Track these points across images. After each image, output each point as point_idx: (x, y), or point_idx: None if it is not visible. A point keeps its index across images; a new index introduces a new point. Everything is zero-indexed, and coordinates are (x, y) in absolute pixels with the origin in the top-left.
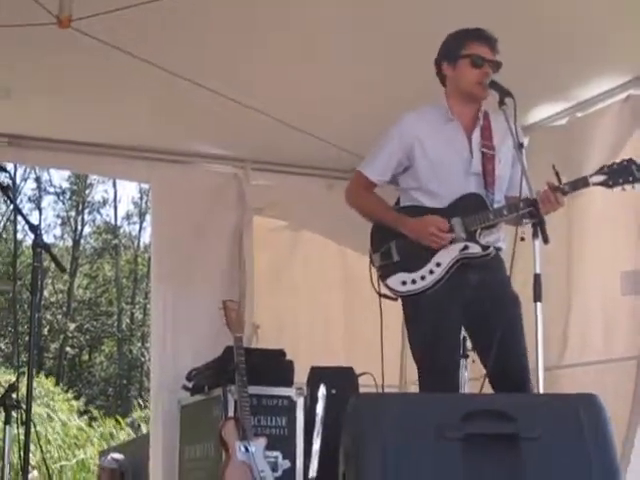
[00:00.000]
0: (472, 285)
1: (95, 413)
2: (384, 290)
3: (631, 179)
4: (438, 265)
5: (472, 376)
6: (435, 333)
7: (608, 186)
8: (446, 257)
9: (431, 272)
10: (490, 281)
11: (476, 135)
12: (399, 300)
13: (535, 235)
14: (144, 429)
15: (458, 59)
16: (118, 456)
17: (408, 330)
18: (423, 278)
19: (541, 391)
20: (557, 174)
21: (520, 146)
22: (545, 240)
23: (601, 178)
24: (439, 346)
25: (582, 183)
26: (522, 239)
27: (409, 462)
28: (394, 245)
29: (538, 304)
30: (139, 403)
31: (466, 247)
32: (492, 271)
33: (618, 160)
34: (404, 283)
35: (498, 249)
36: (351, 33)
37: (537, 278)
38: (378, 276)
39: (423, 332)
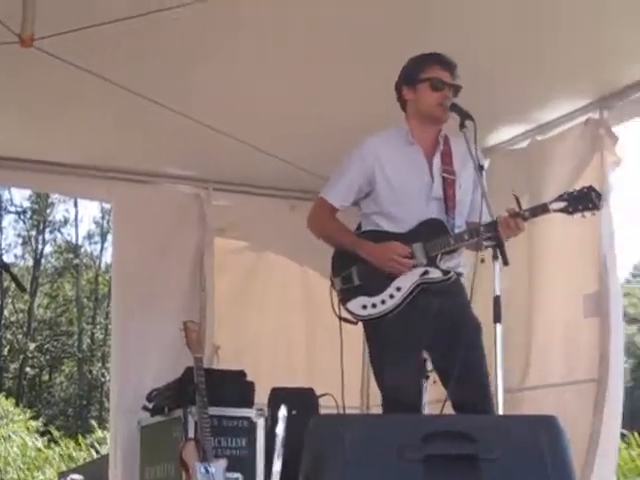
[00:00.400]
0: (433, 309)
1: (55, 434)
2: (345, 314)
3: (591, 206)
4: (398, 289)
5: (433, 398)
6: (397, 357)
7: (568, 213)
8: (406, 282)
9: (391, 296)
10: (450, 306)
11: (437, 160)
12: (359, 324)
13: (495, 257)
14: (104, 450)
15: (418, 83)
16: (77, 477)
17: (370, 354)
18: (383, 302)
19: (501, 412)
20: (517, 200)
21: (480, 168)
22: (505, 262)
23: (561, 205)
24: (401, 370)
25: (542, 209)
26: (482, 261)
27: None
28: (355, 269)
29: (498, 325)
30: (99, 424)
31: (426, 272)
32: (452, 296)
33: (578, 187)
34: (364, 307)
35: (459, 274)
36: (310, 55)
37: (497, 300)
38: (339, 300)
39: (385, 356)
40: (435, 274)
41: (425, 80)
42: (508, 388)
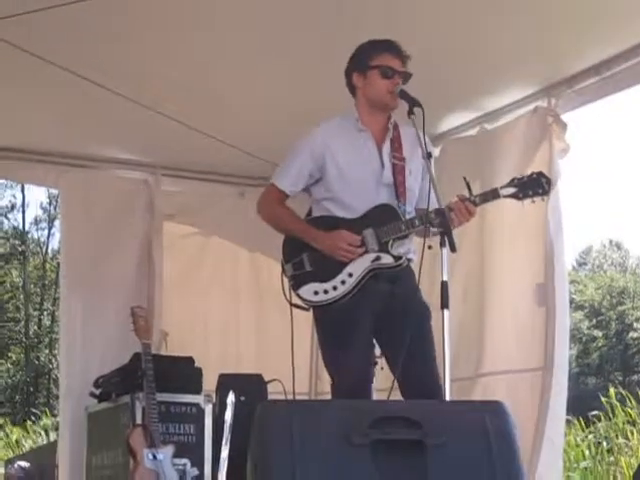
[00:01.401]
0: (383, 295)
1: (1, 421)
2: (296, 300)
3: (540, 192)
4: (350, 275)
5: (381, 385)
6: (347, 343)
7: (518, 198)
8: (358, 267)
9: (343, 282)
10: (401, 291)
11: (386, 146)
12: (310, 310)
13: (442, 244)
14: (51, 437)
15: (368, 69)
16: (25, 464)
17: (320, 340)
18: (335, 288)
19: (449, 398)
20: (468, 185)
21: (429, 156)
22: (452, 249)
23: (511, 190)
24: (351, 356)
25: (492, 195)
26: (429, 247)
27: (317, 469)
28: (306, 256)
29: (445, 311)
30: (47, 410)
31: (378, 258)
32: (403, 281)
33: (528, 173)
34: (316, 293)
35: (409, 260)
36: (261, 41)
37: (444, 286)
38: (290, 286)
39: (335, 342)
40: (387, 260)
41: (375, 67)
42: (462, 375)
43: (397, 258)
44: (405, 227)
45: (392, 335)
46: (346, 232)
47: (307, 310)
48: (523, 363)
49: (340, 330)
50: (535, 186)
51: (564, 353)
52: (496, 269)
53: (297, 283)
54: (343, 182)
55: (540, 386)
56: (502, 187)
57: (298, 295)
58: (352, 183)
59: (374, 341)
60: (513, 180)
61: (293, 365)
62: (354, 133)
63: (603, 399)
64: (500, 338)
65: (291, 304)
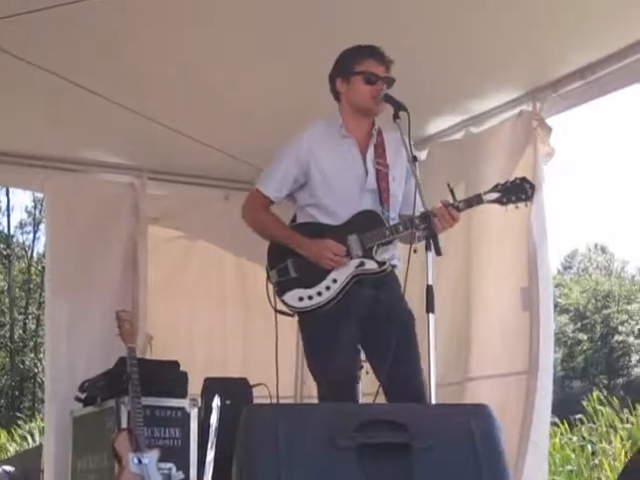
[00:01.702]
0: (368, 301)
1: None
2: (281, 306)
3: (524, 197)
4: (334, 281)
5: (366, 391)
6: (332, 349)
7: (502, 203)
8: (342, 273)
9: (327, 288)
10: (385, 297)
11: (370, 152)
12: (295, 315)
13: (428, 248)
14: (36, 441)
15: (352, 75)
16: (10, 468)
17: (305, 346)
18: (320, 294)
19: (434, 401)
20: (451, 191)
21: (414, 159)
22: (437, 252)
23: (495, 196)
24: (336, 361)
25: (476, 201)
26: (415, 251)
27: (303, 472)
28: (291, 262)
29: (430, 315)
30: (32, 414)
31: (362, 263)
32: (387, 287)
33: (511, 178)
34: (301, 299)
35: (393, 266)
36: (246, 44)
37: (429, 289)
38: (275, 292)
39: (320, 348)
40: (371, 265)
41: (359, 73)
42: (452, 380)
43: (381, 264)
44: (389, 233)
45: (377, 341)
46: (331, 242)
47: (292, 316)
48: (508, 366)
49: (325, 336)
50: (518, 191)
51: (549, 356)
52: (482, 273)
53: (282, 289)
54: (327, 188)
55: (525, 389)
56: (485, 192)
57: (283, 301)
58: (336, 189)
59: (359, 347)
60: (497, 186)
61: (277, 370)
62: (338, 139)
63: (585, 403)
64: (486, 342)
65: (276, 310)
